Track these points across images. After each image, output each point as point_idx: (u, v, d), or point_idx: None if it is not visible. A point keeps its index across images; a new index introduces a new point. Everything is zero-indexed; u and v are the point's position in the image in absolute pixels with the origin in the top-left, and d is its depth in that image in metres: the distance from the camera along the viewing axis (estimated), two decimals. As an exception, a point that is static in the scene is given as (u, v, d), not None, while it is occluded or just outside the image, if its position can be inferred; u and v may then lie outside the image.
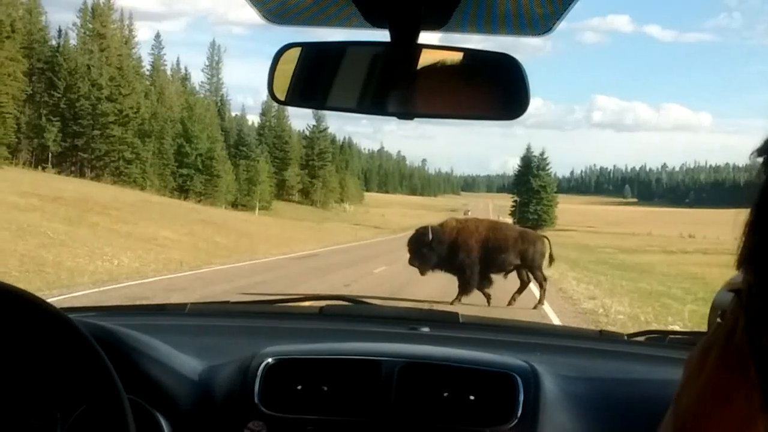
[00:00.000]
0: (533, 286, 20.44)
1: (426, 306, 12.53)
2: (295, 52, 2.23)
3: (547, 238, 21.21)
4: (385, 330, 3.11)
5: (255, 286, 19.26)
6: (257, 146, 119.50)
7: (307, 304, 3.74)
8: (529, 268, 19.99)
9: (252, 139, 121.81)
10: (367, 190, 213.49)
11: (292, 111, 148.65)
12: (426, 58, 2.14)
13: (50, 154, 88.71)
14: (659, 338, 3.26)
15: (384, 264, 31.18)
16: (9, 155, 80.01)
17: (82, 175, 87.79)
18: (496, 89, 2.17)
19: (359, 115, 2.42)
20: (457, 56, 2.15)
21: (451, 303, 17.44)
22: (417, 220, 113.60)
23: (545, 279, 20.23)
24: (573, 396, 2.39)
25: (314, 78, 2.26)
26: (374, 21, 2.16)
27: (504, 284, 20.11)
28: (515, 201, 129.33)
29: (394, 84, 2.18)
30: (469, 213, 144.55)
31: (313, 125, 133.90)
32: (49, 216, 37.32)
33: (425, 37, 2.13)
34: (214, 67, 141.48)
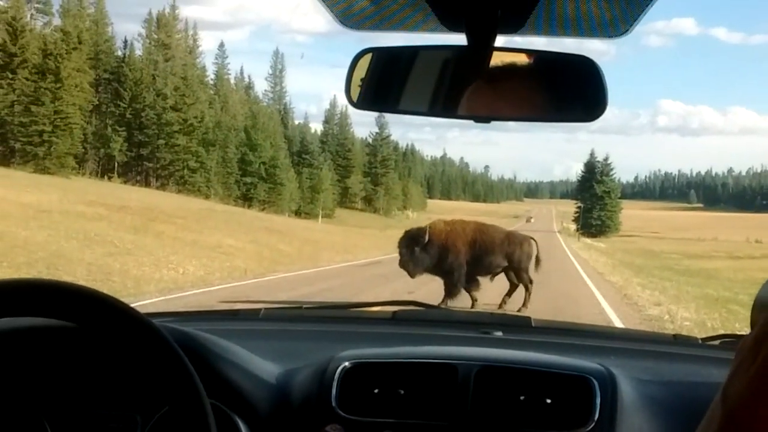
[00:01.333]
0: (596, 293, 20.16)
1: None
2: (371, 57, 2.24)
3: (534, 240, 20.73)
4: (458, 334, 3.10)
5: (319, 293, 19.32)
6: (320, 154, 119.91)
7: (379, 309, 3.75)
8: (515, 270, 19.54)
9: (315, 147, 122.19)
10: (430, 197, 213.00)
11: (354, 118, 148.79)
12: (502, 61, 2.14)
13: (116, 164, 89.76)
14: (733, 342, 3.23)
15: (448, 271, 31.01)
16: (76, 165, 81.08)
17: (147, 184, 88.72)
18: (574, 91, 2.16)
19: (436, 120, 2.42)
20: (534, 59, 2.15)
21: (439, 305, 17.01)
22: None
23: (531, 281, 19.75)
24: (649, 399, 2.37)
25: (391, 82, 2.27)
26: (450, 25, 2.16)
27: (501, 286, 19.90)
28: (579, 207, 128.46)
29: (471, 87, 2.18)
30: (532, 220, 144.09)
31: (376, 132, 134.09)
32: (115, 225, 37.65)
33: (500, 41, 2.13)
34: (277, 75, 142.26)
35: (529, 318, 3.31)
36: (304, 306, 3.77)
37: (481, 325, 3.20)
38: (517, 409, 2.27)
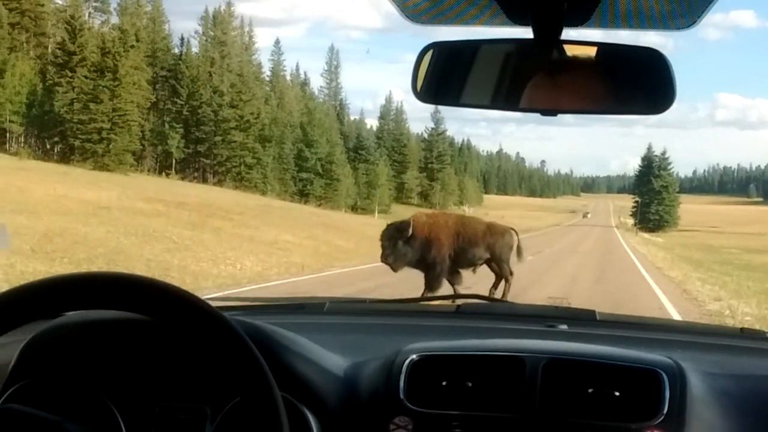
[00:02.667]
0: (655, 288, 19.94)
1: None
2: (436, 52, 2.25)
3: (515, 231, 20.40)
4: (523, 327, 3.10)
5: (377, 288, 19.34)
6: (376, 150, 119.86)
7: (443, 302, 3.75)
8: (496, 261, 19.23)
9: (371, 142, 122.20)
10: (486, 192, 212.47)
11: (410, 114, 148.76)
12: (568, 55, 2.14)
13: (173, 161, 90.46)
14: None
15: (504, 266, 30.90)
16: (134, 162, 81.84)
17: (204, 180, 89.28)
18: (641, 83, 2.16)
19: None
20: (600, 51, 2.15)
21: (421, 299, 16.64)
22: (537, 221, 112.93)
23: (511, 273, 19.42)
24: (719, 393, 2.35)
25: (456, 76, 2.28)
26: (516, 19, 2.16)
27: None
28: (636, 201, 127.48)
29: (536, 81, 2.19)
30: (589, 215, 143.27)
31: (432, 128, 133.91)
32: (173, 221, 37.97)
33: (567, 34, 2.13)
34: (332, 71, 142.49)
35: (593, 311, 3.29)
36: (369, 300, 3.79)
37: (545, 318, 3.19)
38: (585, 401, 2.26)
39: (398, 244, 18.14)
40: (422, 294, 17.74)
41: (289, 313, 3.47)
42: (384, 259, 18.45)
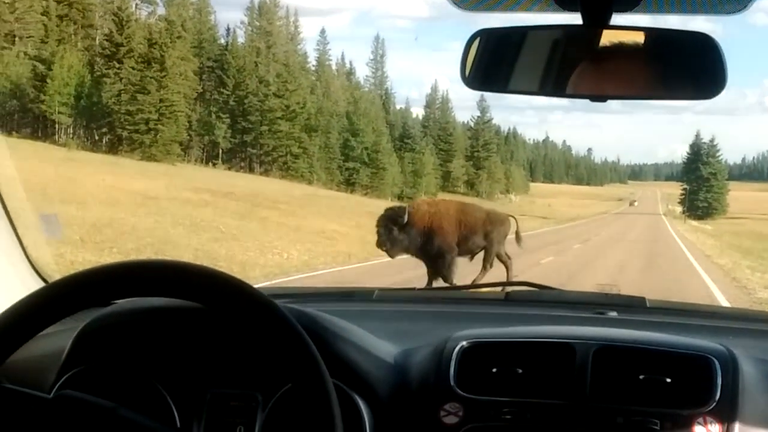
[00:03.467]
0: (704, 276, 19.76)
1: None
2: (484, 39, 2.25)
3: (514, 217, 20.47)
4: (572, 314, 3.09)
5: (423, 277, 19.28)
6: (422, 138, 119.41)
7: (492, 289, 3.75)
8: (490, 246, 19.10)
9: (416, 131, 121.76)
10: (533, 181, 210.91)
11: (455, 103, 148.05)
12: (616, 40, 2.13)
13: (220, 151, 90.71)
14: None
15: (551, 254, 30.78)
16: (181, 152, 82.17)
17: (251, 170, 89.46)
18: (692, 68, 2.15)
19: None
20: (649, 36, 2.13)
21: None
22: (584, 209, 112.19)
23: (510, 258, 19.48)
24: None
25: (505, 62, 2.28)
26: (565, 4, 2.15)
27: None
28: (684, 189, 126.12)
29: (586, 67, 2.18)
30: (636, 203, 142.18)
31: (478, 116, 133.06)
32: (220, 211, 38.15)
33: (614, 19, 2.12)
34: (378, 60, 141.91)
35: (643, 298, 3.27)
36: (417, 288, 3.80)
37: (595, 305, 3.18)
38: (636, 388, 2.25)
39: (393, 230, 18.03)
40: (427, 283, 17.92)
41: (338, 300, 3.49)
42: (378, 245, 18.48)
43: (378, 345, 2.46)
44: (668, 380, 2.25)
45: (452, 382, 2.29)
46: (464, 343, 2.38)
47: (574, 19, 2.13)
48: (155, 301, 2.13)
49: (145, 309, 2.24)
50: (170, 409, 2.22)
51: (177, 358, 2.27)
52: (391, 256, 18.85)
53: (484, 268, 19.15)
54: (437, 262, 18.48)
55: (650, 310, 3.22)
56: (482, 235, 19.16)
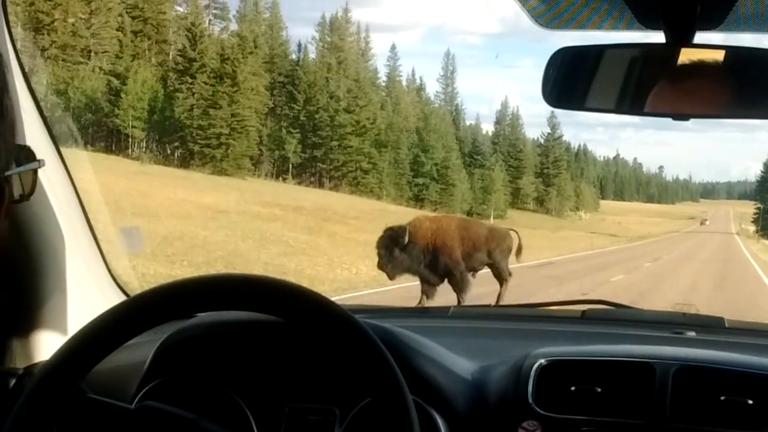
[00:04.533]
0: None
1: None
2: (566, 56, 2.25)
3: (516, 232, 20.17)
4: (650, 333, 3.06)
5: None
6: (492, 155, 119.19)
7: (567, 307, 3.73)
8: (498, 264, 18.92)
9: (486, 147, 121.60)
10: (603, 198, 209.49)
11: (526, 119, 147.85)
12: (698, 58, 2.12)
13: (290, 165, 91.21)
14: None
15: (621, 272, 30.56)
16: (252, 167, 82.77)
17: (320, 185, 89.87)
18: None
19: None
20: (729, 54, 2.12)
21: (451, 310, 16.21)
22: (654, 228, 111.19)
23: (510, 274, 19.12)
24: None
25: (583, 80, 2.27)
26: (648, 23, 2.15)
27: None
28: (758, 208, 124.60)
29: (666, 85, 2.17)
30: (707, 222, 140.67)
31: (548, 133, 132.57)
32: (290, 225, 38.35)
33: (700, 37, 2.10)
34: (448, 76, 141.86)
35: (722, 318, 3.23)
36: (492, 305, 3.80)
37: (673, 324, 3.14)
38: (717, 409, 2.23)
39: (394, 251, 17.72)
40: (419, 302, 17.63)
41: (414, 316, 3.50)
42: (379, 267, 18.20)
43: (455, 361, 2.46)
44: (750, 402, 2.22)
45: (530, 400, 2.28)
46: (542, 360, 2.37)
47: (652, 36, 2.12)
48: (236, 314, 2.14)
49: (226, 322, 2.27)
50: (249, 423, 2.24)
51: (256, 371, 2.29)
52: (391, 277, 18.60)
53: (505, 280, 18.99)
54: (451, 279, 18.23)
55: (729, 331, 3.17)
56: (485, 251, 19.00)
